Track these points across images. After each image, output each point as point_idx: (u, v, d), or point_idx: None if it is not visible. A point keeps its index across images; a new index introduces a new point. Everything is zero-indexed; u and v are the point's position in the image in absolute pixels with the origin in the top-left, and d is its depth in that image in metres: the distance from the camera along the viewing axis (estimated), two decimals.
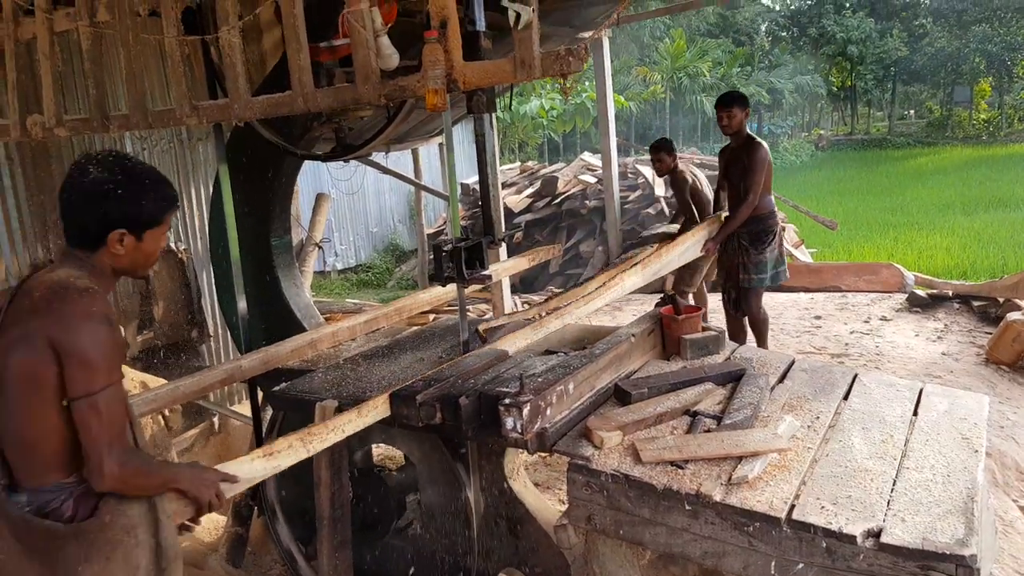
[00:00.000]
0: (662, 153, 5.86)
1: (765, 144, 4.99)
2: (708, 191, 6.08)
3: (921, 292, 7.09)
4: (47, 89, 3.15)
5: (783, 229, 5.24)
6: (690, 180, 5.91)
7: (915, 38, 37.16)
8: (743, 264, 4.97)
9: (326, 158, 4.01)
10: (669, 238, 5.44)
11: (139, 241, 1.77)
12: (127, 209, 1.73)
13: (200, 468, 1.91)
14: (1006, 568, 3.10)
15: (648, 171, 9.98)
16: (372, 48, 2.25)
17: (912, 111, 45.43)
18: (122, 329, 4.94)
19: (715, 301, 5.84)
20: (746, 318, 5.19)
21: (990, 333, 5.80)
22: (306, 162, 4.50)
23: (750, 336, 5.28)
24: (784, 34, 39.90)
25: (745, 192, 4.83)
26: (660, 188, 9.70)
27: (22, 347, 1.62)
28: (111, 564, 1.70)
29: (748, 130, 5.01)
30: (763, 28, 39.30)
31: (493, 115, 3.02)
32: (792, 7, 40.55)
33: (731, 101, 4.90)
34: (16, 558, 1.66)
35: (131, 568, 1.72)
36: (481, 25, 2.55)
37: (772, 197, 5.04)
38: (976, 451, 2.35)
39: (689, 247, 4.96)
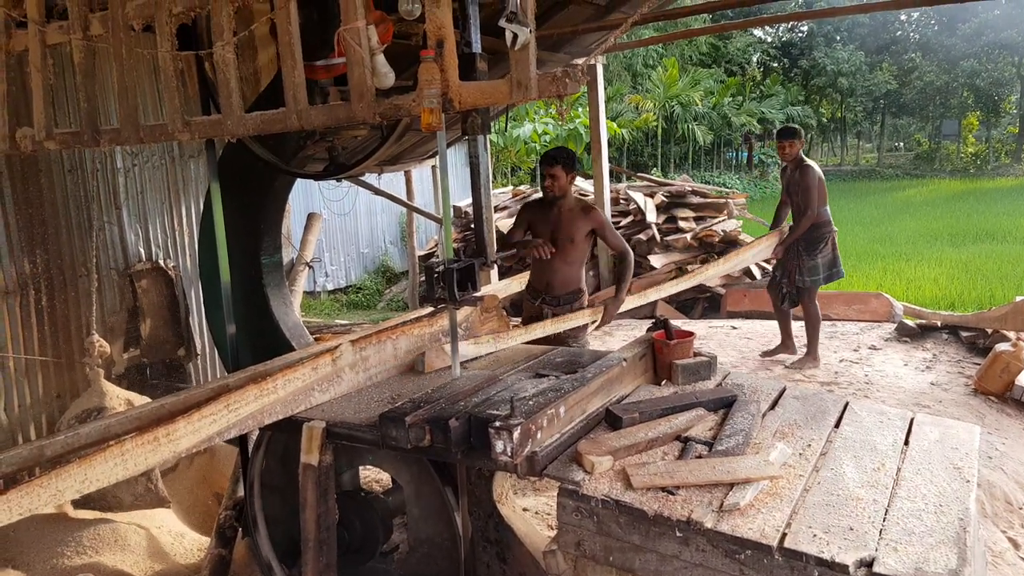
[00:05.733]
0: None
1: (815, 165, 6.01)
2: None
3: (910, 322, 7.10)
4: (38, 102, 3.13)
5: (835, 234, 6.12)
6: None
7: (904, 72, 37.70)
8: (798, 267, 5.95)
9: (318, 177, 4.02)
10: None
11: None
12: None
13: None
14: None
15: (640, 197, 10.02)
16: (368, 66, 2.25)
17: (901, 143, 46.00)
18: (108, 346, 4.90)
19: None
20: (798, 316, 6.18)
21: (978, 363, 5.82)
22: (298, 181, 4.50)
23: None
24: (775, 65, 40.40)
25: (805, 207, 5.85)
26: (652, 214, 9.73)
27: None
28: None
29: (801, 155, 6.01)
30: (755, 59, 39.77)
31: (487, 137, 3.02)
32: (783, 39, 41.10)
33: (789, 134, 5.96)
34: None
35: None
36: (477, 47, 2.57)
37: (828, 208, 5.98)
38: (968, 481, 2.34)
39: (761, 250, 6.17)
